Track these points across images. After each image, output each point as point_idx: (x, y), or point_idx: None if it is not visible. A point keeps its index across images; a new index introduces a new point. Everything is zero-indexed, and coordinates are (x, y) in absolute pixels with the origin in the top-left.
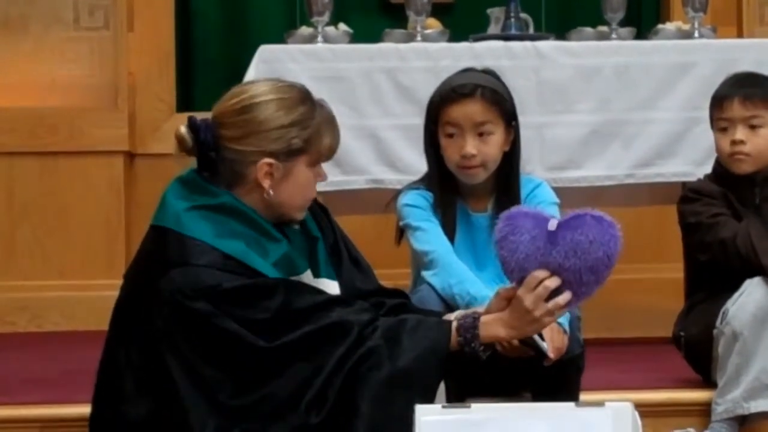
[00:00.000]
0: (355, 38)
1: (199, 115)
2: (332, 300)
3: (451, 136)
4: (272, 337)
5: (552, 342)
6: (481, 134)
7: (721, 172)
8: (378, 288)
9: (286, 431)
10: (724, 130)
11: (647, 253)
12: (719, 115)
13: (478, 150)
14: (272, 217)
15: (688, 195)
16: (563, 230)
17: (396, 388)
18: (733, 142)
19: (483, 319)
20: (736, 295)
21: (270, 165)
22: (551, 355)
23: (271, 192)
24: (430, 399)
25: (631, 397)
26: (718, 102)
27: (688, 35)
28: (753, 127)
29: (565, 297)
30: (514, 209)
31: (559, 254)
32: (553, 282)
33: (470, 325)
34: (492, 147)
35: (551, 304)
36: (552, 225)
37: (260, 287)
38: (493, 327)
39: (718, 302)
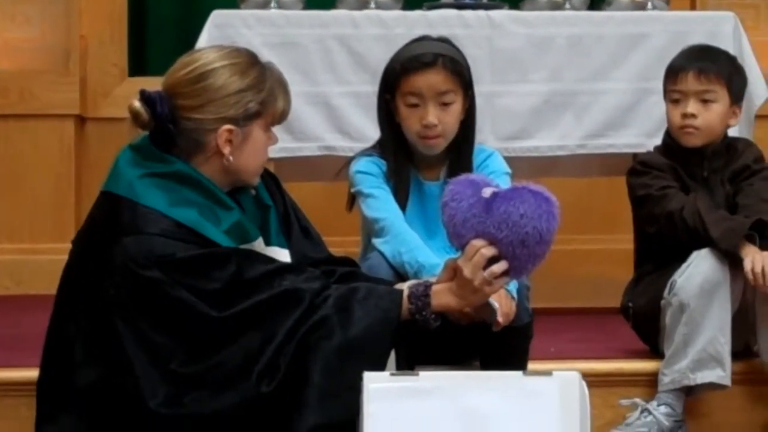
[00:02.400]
0: (308, 4)
1: (152, 81)
2: (283, 268)
3: (411, 105)
4: (224, 306)
5: (500, 307)
6: (442, 104)
7: (670, 144)
8: (328, 257)
9: (237, 400)
10: (676, 101)
11: (598, 223)
12: (672, 86)
13: (440, 120)
14: (229, 183)
15: (636, 168)
16: (499, 200)
17: (347, 357)
18: (684, 116)
19: (434, 288)
20: (684, 266)
21: (230, 131)
22: (500, 319)
23: (231, 158)
24: (381, 368)
25: (579, 366)
26: (673, 73)
27: (641, 6)
28: (705, 102)
29: (500, 266)
30: (461, 176)
31: (493, 224)
32: (489, 251)
33: (422, 294)
34: (452, 116)
35: (487, 272)
36: (486, 192)
37: (213, 257)
38: (444, 296)
39: (666, 273)
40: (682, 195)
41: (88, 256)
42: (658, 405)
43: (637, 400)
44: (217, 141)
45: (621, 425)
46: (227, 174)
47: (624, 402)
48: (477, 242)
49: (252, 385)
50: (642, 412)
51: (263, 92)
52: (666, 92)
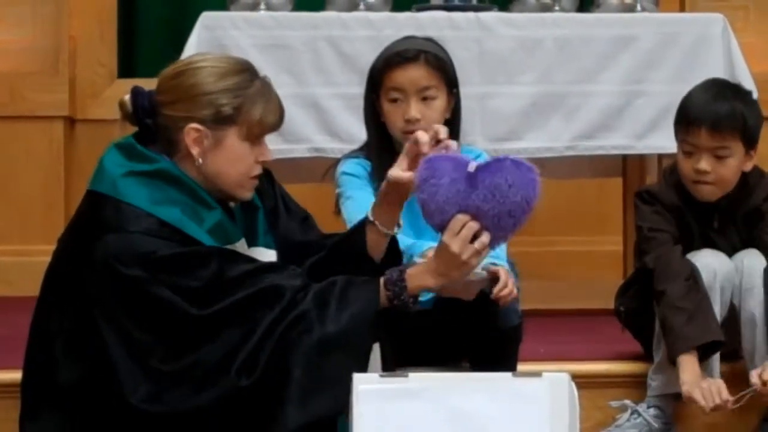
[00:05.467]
0: (297, 6)
1: (141, 82)
2: (265, 267)
3: (394, 101)
4: (205, 305)
5: (501, 278)
6: (424, 99)
7: (683, 187)
8: (319, 237)
9: (216, 395)
10: (688, 153)
11: (587, 225)
12: (685, 137)
13: (422, 114)
14: (214, 192)
15: (644, 196)
16: (483, 173)
17: (328, 351)
18: (698, 171)
19: (409, 271)
20: None
21: (198, 131)
22: (501, 285)
23: (200, 160)
24: (363, 360)
25: (568, 368)
26: (685, 124)
27: (630, 8)
28: (719, 157)
29: (487, 236)
30: (434, 154)
31: (478, 197)
32: (476, 224)
33: (397, 278)
34: (435, 112)
35: (477, 243)
36: (472, 167)
37: (194, 255)
38: (421, 277)
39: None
40: (664, 248)
41: (71, 254)
42: (648, 407)
43: (627, 401)
44: (185, 140)
45: (611, 427)
46: (205, 179)
47: (614, 404)
48: (462, 216)
49: (231, 379)
50: (632, 413)
51: (240, 98)
52: (677, 138)
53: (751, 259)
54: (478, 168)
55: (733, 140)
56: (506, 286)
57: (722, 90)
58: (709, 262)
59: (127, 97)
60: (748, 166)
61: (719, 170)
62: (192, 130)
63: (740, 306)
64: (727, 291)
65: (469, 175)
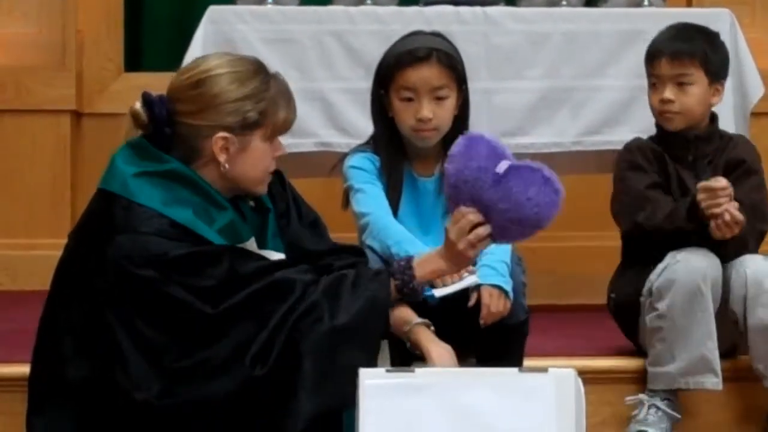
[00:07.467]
0: (304, 0)
1: (148, 76)
2: (276, 264)
3: (406, 100)
4: (218, 303)
5: (489, 306)
6: (437, 98)
7: (659, 129)
8: (331, 247)
9: (231, 385)
10: (654, 86)
11: (593, 220)
12: (651, 71)
13: (434, 114)
14: (229, 189)
15: (624, 153)
16: (511, 174)
17: (338, 341)
18: (662, 101)
19: (416, 259)
20: (661, 267)
21: (225, 139)
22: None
23: (227, 166)
24: (373, 351)
25: (575, 363)
26: (650, 58)
27: (637, 3)
28: (681, 85)
29: (485, 229)
30: (477, 133)
31: (497, 193)
32: (476, 217)
33: (405, 267)
34: (447, 111)
35: (472, 235)
36: (501, 167)
37: (206, 255)
38: (427, 264)
39: (648, 267)
40: (651, 205)
41: (82, 252)
42: (661, 400)
43: (643, 396)
44: (213, 148)
45: (633, 421)
46: (226, 181)
47: (629, 400)
48: (464, 209)
49: (246, 368)
50: (650, 407)
51: (263, 102)
52: (647, 76)
53: (754, 264)
54: (510, 167)
55: (693, 68)
56: (489, 310)
57: (686, 26)
58: (697, 265)
59: (138, 106)
60: (715, 101)
61: (682, 98)
62: (220, 139)
63: (746, 314)
64: (716, 292)
65: (496, 172)
